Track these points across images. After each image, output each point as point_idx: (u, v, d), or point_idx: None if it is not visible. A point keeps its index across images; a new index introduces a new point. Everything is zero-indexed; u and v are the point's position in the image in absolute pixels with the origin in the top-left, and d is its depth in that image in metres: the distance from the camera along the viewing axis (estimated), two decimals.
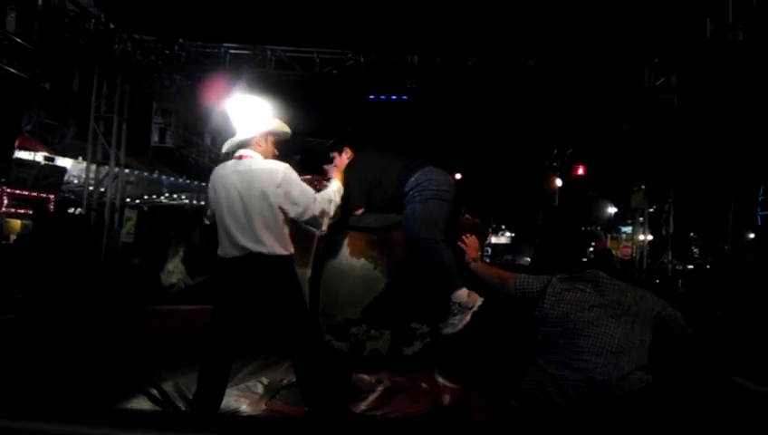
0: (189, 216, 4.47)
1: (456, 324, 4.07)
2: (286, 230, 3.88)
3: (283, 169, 3.87)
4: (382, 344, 4.34)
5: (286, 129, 4.16)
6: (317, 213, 3.94)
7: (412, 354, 4.40)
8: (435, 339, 4.38)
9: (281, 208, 3.81)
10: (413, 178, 4.30)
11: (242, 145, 4.00)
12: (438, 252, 4.13)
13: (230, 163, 3.98)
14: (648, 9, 9.80)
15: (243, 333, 3.97)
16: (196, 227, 4.36)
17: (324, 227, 4.08)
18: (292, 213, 3.86)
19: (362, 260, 4.37)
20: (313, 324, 4.23)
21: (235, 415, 4.46)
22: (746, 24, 8.34)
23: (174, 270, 4.40)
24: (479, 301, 4.10)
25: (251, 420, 4.08)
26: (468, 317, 4.06)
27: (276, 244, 3.80)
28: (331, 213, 4.07)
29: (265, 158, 3.97)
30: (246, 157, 3.94)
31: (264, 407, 4.72)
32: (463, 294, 4.09)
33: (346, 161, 4.62)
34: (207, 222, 4.23)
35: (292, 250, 3.91)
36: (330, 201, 4.06)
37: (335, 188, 4.20)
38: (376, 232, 4.41)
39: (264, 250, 3.76)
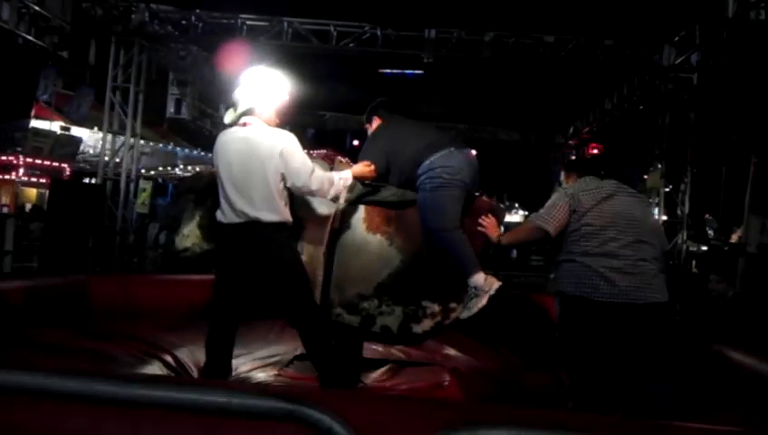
0: (207, 180, 4.47)
1: (471, 308, 4.08)
2: (285, 199, 3.90)
3: (284, 138, 3.88)
4: (393, 321, 4.37)
5: (285, 90, 4.15)
6: (313, 187, 3.94)
7: (422, 333, 4.42)
8: (445, 318, 4.40)
9: (279, 177, 3.83)
10: (428, 161, 4.28)
11: (245, 113, 4.01)
12: (452, 241, 4.14)
13: (233, 130, 4.00)
14: None
15: (245, 300, 4.01)
16: (214, 192, 4.38)
17: (322, 195, 4.09)
18: (290, 183, 3.87)
19: (378, 236, 4.39)
20: (325, 297, 4.26)
21: (246, 381, 4.52)
22: None
23: (189, 234, 4.43)
24: (496, 285, 4.08)
25: (259, 384, 4.13)
26: (485, 301, 4.05)
27: (273, 212, 3.82)
28: (329, 195, 4.07)
29: (269, 125, 3.99)
30: (249, 124, 3.95)
31: (275, 373, 4.78)
32: (479, 278, 4.09)
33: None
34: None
35: (289, 219, 3.93)
36: (331, 182, 4.04)
37: (345, 176, 4.19)
38: (392, 207, 4.42)
39: (261, 217, 3.78)
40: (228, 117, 4.11)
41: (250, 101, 4.01)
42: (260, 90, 4.04)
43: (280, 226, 3.86)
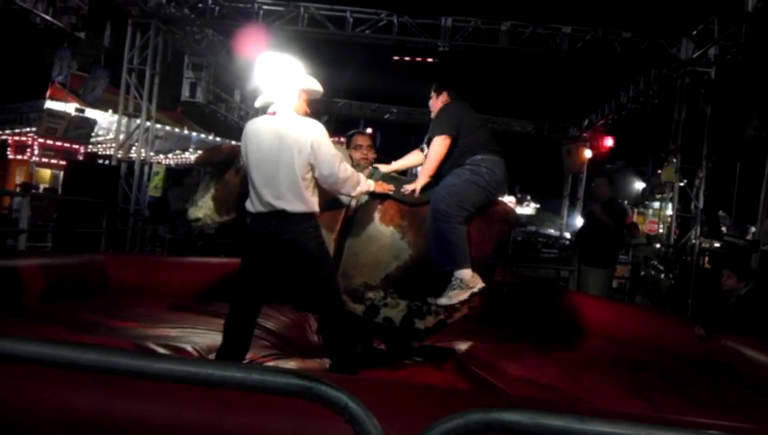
0: (226, 155, 4.49)
1: (452, 297, 4.19)
2: (312, 189, 3.91)
3: (315, 128, 3.88)
4: (396, 314, 4.39)
5: (319, 87, 4.17)
6: (341, 177, 3.95)
7: (424, 329, 4.45)
8: (448, 317, 4.43)
9: (308, 168, 3.84)
10: (480, 156, 4.40)
11: (275, 101, 4.01)
12: (455, 230, 4.22)
13: (263, 118, 4.00)
14: None
15: (269, 287, 4.03)
16: (233, 166, 4.40)
17: (345, 191, 4.13)
18: (318, 173, 3.88)
19: (391, 228, 4.41)
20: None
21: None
22: None
23: (203, 205, 4.46)
24: (480, 284, 4.21)
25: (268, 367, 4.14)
26: (466, 295, 4.17)
27: (301, 202, 3.82)
28: (354, 192, 4.12)
29: (298, 115, 3.98)
30: (280, 113, 3.95)
31: (291, 362, 4.79)
32: (467, 273, 4.20)
33: (441, 104, 4.73)
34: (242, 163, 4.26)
35: (317, 209, 3.94)
36: (357, 181, 4.10)
37: (370, 183, 4.27)
38: (407, 204, 4.44)
39: (287, 207, 3.79)
40: (259, 100, 4.13)
41: (280, 88, 4.00)
42: (290, 78, 4.03)
43: (306, 215, 3.87)
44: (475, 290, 4.18)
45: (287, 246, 3.84)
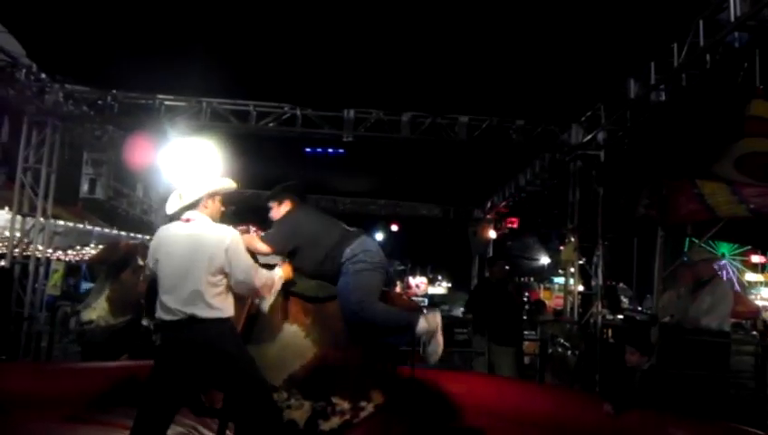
0: (122, 254, 4.35)
1: (435, 350, 4.15)
2: (225, 294, 3.85)
3: (231, 236, 3.85)
4: (300, 416, 4.31)
5: (231, 184, 4.17)
6: (257, 286, 3.92)
7: (329, 430, 4.37)
8: (354, 417, 4.39)
9: (221, 275, 3.78)
10: (349, 249, 4.41)
11: (189, 208, 3.95)
12: (377, 310, 4.24)
13: (176, 225, 3.93)
14: (573, 70, 10.21)
15: (184, 397, 3.89)
16: (129, 266, 4.26)
17: (260, 295, 4.08)
18: (233, 280, 3.83)
19: (294, 326, 4.35)
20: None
21: None
22: (668, 85, 8.71)
23: (96, 307, 4.30)
24: (438, 317, 4.21)
25: None
26: (441, 338, 4.13)
27: (209, 307, 3.74)
28: (268, 296, 4.09)
29: (213, 219, 3.95)
30: (194, 220, 3.89)
31: None
32: (422, 323, 4.20)
33: (283, 213, 4.67)
34: (147, 272, 4.12)
35: (230, 313, 3.87)
36: (272, 282, 4.11)
37: (282, 275, 4.26)
38: (311, 300, 4.42)
39: (198, 312, 3.70)
40: (172, 207, 4.00)
41: (192, 194, 3.95)
42: (200, 181, 3.99)
43: (219, 320, 3.77)
44: (438, 320, 4.14)
45: (203, 351, 3.72)
